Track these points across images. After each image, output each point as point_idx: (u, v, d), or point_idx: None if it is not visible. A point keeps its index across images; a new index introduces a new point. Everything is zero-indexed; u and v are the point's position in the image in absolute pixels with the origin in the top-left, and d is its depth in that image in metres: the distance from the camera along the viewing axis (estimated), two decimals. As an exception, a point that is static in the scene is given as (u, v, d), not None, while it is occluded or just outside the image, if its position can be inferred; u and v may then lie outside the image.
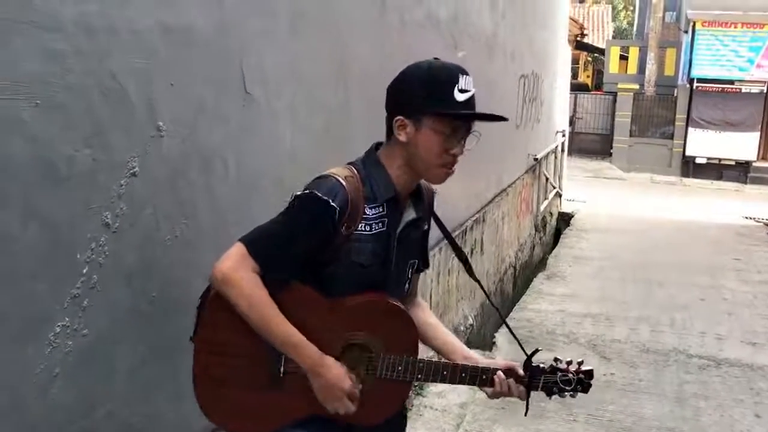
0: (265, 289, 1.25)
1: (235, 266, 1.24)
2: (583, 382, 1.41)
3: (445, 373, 1.36)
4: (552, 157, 8.49)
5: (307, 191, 1.28)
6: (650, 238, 7.89)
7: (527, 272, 6.86)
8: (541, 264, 7.06)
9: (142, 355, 1.50)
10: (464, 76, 1.29)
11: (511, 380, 1.38)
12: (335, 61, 2.36)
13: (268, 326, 1.25)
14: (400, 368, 1.33)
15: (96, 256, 1.33)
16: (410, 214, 1.38)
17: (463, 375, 1.36)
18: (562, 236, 8.10)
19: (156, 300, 1.52)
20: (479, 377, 1.37)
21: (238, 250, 1.25)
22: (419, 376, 1.34)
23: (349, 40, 2.45)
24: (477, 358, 1.44)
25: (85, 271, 1.31)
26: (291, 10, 2.01)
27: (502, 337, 4.34)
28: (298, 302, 1.29)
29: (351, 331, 1.32)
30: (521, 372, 1.40)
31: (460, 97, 1.27)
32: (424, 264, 1.52)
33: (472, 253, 4.56)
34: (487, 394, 1.41)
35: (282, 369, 1.30)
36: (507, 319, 4.74)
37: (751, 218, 9.64)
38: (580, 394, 1.42)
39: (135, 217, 1.43)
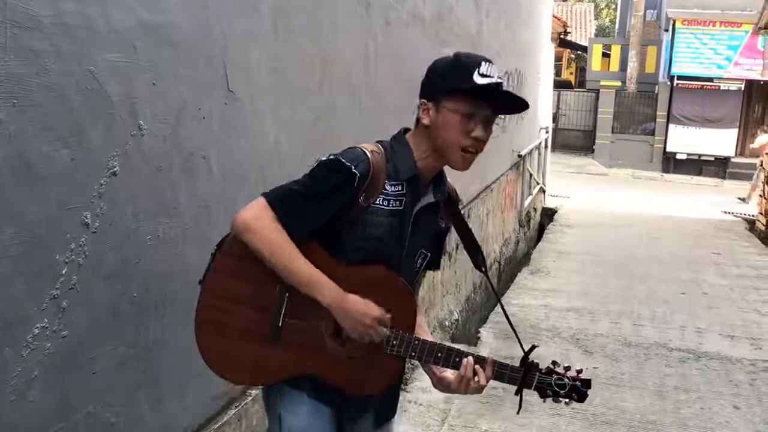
0: (284, 232, 1.28)
1: (256, 214, 1.28)
2: (578, 389, 1.39)
3: (440, 354, 1.35)
4: (536, 153, 8.54)
5: (332, 156, 1.33)
6: (632, 233, 7.99)
7: (511, 267, 6.91)
8: (525, 259, 7.11)
9: (123, 356, 1.48)
10: (488, 63, 1.32)
11: (478, 367, 1.35)
12: (319, 59, 2.35)
13: (291, 266, 1.28)
14: (395, 342, 1.33)
15: (75, 257, 1.32)
16: (428, 198, 1.41)
17: (439, 355, 1.36)
18: (545, 231, 8.17)
19: (137, 300, 1.51)
20: (453, 359, 1.36)
21: (259, 202, 1.30)
22: (413, 353, 1.35)
23: (333, 38, 2.45)
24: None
25: (64, 271, 1.29)
26: (274, 8, 2.00)
27: (486, 331, 4.38)
28: (309, 257, 1.30)
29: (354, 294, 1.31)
30: (491, 360, 1.37)
31: (479, 80, 1.29)
32: (436, 263, 1.52)
33: (457, 248, 4.58)
34: (450, 381, 1.38)
35: (281, 321, 1.32)
36: (491, 314, 4.80)
37: (729, 213, 9.80)
38: (575, 403, 1.38)
39: (115, 216, 1.42)
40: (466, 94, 1.30)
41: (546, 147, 9.46)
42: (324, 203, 1.30)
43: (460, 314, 4.77)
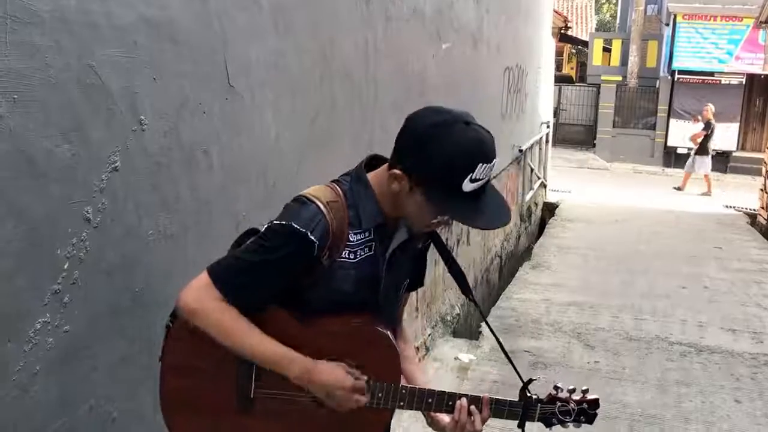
0: (234, 310, 1.19)
1: (199, 297, 1.19)
2: (586, 412, 1.31)
3: (430, 400, 1.29)
4: (537, 148, 8.54)
5: (284, 222, 1.19)
6: (633, 227, 7.98)
7: (513, 262, 6.91)
8: (527, 254, 7.12)
9: (124, 351, 1.49)
10: (483, 164, 1.14)
11: (473, 408, 1.28)
12: (319, 55, 2.34)
13: (245, 349, 1.20)
14: (380, 395, 1.26)
15: (77, 252, 1.32)
16: (402, 236, 1.28)
17: (430, 401, 1.29)
18: (547, 226, 8.16)
19: (138, 295, 1.51)
20: (445, 402, 1.29)
21: (203, 280, 1.21)
22: (401, 404, 1.27)
23: (333, 33, 2.44)
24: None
25: (66, 266, 1.29)
26: (275, 3, 2.00)
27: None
28: (272, 325, 1.22)
29: (330, 355, 1.24)
30: (486, 398, 1.29)
31: (468, 187, 1.14)
32: (419, 282, 1.45)
33: (458, 243, 4.58)
34: (445, 425, 1.31)
35: (252, 393, 1.25)
36: (492, 309, 4.80)
37: (731, 207, 9.79)
38: (585, 425, 1.31)
39: (116, 212, 1.42)
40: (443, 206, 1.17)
41: (547, 142, 9.45)
42: (276, 276, 1.19)
43: (462, 309, 4.77)
